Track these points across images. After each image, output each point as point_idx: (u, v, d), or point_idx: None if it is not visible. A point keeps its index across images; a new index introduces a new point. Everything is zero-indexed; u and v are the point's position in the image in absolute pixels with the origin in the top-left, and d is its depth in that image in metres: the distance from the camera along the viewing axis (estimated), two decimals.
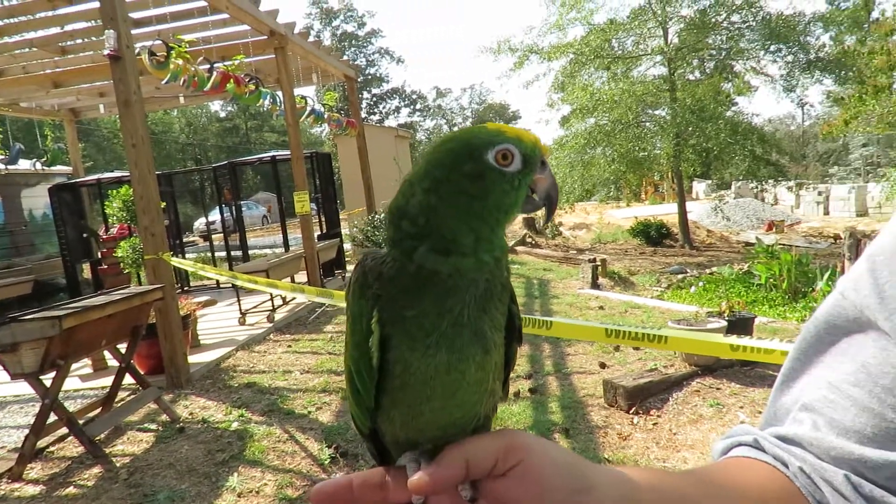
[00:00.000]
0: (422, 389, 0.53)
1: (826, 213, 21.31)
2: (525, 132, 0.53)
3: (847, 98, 19.72)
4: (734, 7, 14.98)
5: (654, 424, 3.84)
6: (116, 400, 4.37)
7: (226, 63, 6.87)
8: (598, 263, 9.98)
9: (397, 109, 55.38)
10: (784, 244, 13.32)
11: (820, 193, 22.19)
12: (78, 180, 10.51)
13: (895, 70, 17.75)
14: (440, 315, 0.51)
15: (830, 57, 15.63)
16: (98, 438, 3.83)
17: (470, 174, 0.52)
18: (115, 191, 6.98)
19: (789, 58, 15.23)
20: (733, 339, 1.24)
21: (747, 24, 15.12)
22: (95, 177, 10.50)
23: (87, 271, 9.87)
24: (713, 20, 15.22)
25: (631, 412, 4.03)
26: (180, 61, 5.69)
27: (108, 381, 4.52)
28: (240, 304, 7.26)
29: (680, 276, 11.33)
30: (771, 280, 9.00)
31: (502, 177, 0.52)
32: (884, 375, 0.49)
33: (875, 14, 25.37)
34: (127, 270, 7.24)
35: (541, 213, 0.57)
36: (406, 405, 0.54)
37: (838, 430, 0.51)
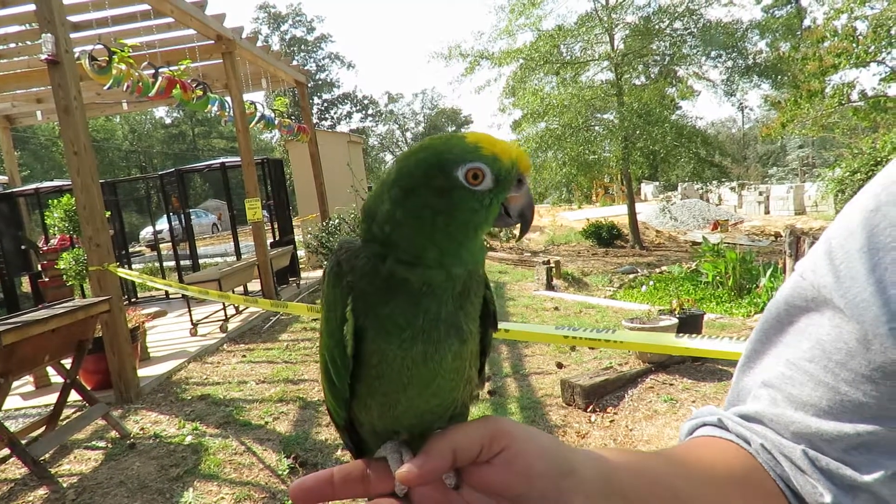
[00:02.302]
0: (398, 379, 0.53)
1: (767, 212, 22.19)
2: (505, 149, 0.51)
3: (783, 102, 20.59)
4: (676, 15, 15.47)
5: (611, 422, 3.92)
6: (62, 418, 4.19)
7: (171, 68, 6.70)
8: (553, 265, 10.12)
9: (349, 115, 55.03)
10: (729, 243, 13.79)
11: (761, 193, 23.10)
12: (14, 190, 10.04)
13: (827, 75, 18.64)
14: (415, 315, 0.51)
15: (767, 62, 16.31)
16: (43, 458, 3.66)
17: (438, 189, 0.50)
18: (55, 200, 6.70)
19: (729, 63, 15.83)
20: (684, 341, 1.29)
21: (689, 30, 15.64)
22: (33, 186, 10.05)
23: (26, 285, 9.44)
24: (657, 27, 15.68)
25: (588, 410, 4.10)
26: (123, 66, 5.52)
27: (52, 398, 4.33)
28: (191, 315, 7.07)
29: (631, 276, 11.60)
30: (717, 278, 9.31)
31: (472, 195, 0.50)
32: (837, 351, 0.51)
33: (807, 22, 26.61)
34: (70, 283, 6.95)
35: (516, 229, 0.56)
36: (382, 394, 0.54)
37: (796, 405, 0.54)
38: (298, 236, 12.66)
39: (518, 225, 0.55)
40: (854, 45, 17.47)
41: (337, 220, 10.39)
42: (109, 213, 6.50)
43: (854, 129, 21.14)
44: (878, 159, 15.38)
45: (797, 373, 0.54)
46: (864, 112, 18.60)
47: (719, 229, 18.06)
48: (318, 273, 10.96)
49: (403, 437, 0.56)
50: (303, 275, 11.12)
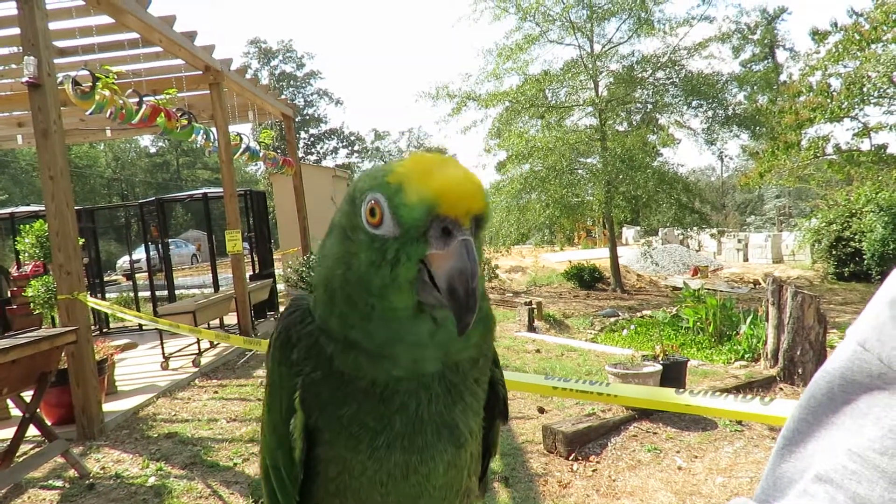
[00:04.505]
0: (368, 498, 0.40)
1: (745, 259, 22.46)
2: (424, 175, 0.36)
3: (761, 152, 21.11)
4: (659, 64, 15.86)
5: (594, 471, 3.80)
6: (18, 454, 3.97)
7: (157, 97, 6.65)
8: (534, 306, 10.06)
9: (335, 150, 55.30)
10: (709, 289, 13.88)
11: (740, 241, 23.42)
12: None
13: (803, 128, 19.18)
14: (387, 415, 0.38)
15: (746, 114, 16.73)
16: None
17: (350, 227, 0.38)
18: (27, 226, 6.52)
19: (709, 113, 16.20)
20: (685, 398, 1.21)
21: (671, 80, 16.02)
22: (8, 210, 9.84)
23: None
24: (640, 76, 16.05)
25: (570, 458, 3.98)
26: (107, 92, 5.45)
27: (9, 432, 4.11)
28: (163, 348, 6.85)
29: (612, 319, 11.57)
30: (698, 323, 9.30)
31: (369, 240, 0.37)
32: None
33: (783, 77, 27.51)
34: (38, 311, 6.72)
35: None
36: None
37: None
38: (279, 270, 12.51)
39: (449, 306, 0.36)
40: (828, 100, 18.05)
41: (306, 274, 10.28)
42: (84, 240, 6.34)
43: (829, 181, 21.66)
44: (853, 211, 15.72)
45: (864, 467, 0.44)
46: (839, 165, 19.10)
47: (699, 275, 18.21)
48: None
49: None
50: (281, 309, 10.92)
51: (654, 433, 4.27)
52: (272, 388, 0.43)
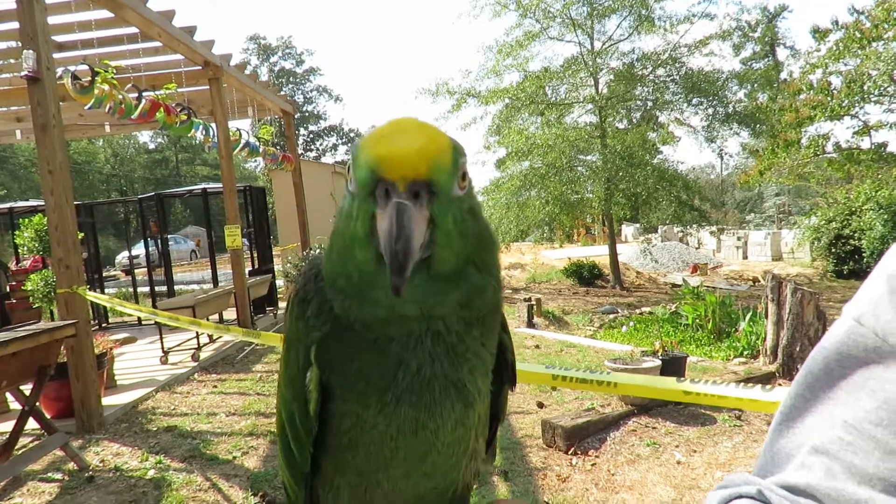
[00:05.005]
0: (379, 452, 0.41)
1: (745, 257, 22.47)
2: (377, 139, 0.39)
3: (761, 150, 21.11)
4: (659, 62, 15.85)
5: (593, 465, 3.81)
6: (18, 447, 3.97)
7: (156, 92, 6.64)
8: (534, 303, 10.07)
9: (335, 147, 55.22)
10: (708, 286, 13.89)
11: (739, 239, 23.42)
12: None
13: (803, 126, 19.19)
14: (390, 369, 0.40)
15: (746, 111, 16.70)
16: None
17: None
18: (26, 220, 6.52)
19: (709, 110, 16.18)
20: (686, 385, 1.21)
21: (671, 77, 16.01)
22: (7, 205, 9.84)
23: None
24: (640, 73, 16.04)
25: (569, 453, 3.98)
26: (106, 87, 5.44)
27: (8, 426, 4.11)
28: (162, 342, 6.86)
29: (611, 316, 11.58)
30: (697, 320, 9.30)
31: (349, 196, 0.40)
32: None
33: (784, 75, 27.53)
34: (37, 305, 6.72)
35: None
36: (357, 473, 0.43)
37: (860, 478, 0.44)
38: (278, 265, 12.51)
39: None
40: (829, 98, 18.06)
41: (318, 251, 10.27)
42: (83, 234, 6.33)
43: (829, 179, 21.67)
44: (853, 209, 15.72)
45: (860, 438, 0.45)
46: (839, 163, 19.11)
47: (698, 272, 18.22)
48: None
49: None
50: (281, 305, 10.93)
51: (654, 428, 4.28)
52: (290, 342, 0.44)
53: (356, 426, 0.41)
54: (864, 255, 14.86)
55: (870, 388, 0.45)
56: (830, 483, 0.45)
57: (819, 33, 18.76)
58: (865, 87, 17.53)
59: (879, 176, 17.69)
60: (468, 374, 0.42)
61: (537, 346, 7.47)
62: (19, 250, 7.84)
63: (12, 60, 7.79)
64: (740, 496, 0.50)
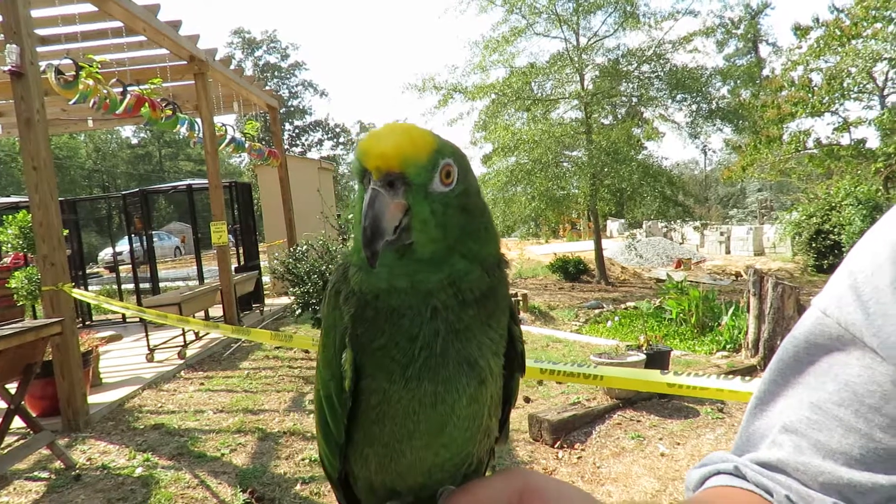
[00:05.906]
0: (403, 424, 0.46)
1: (728, 251, 22.73)
2: (371, 138, 0.46)
3: (744, 146, 21.35)
4: (644, 58, 15.95)
5: (579, 458, 3.87)
6: (3, 446, 3.95)
7: (141, 87, 6.58)
8: (520, 298, 10.13)
9: (320, 142, 54.96)
10: (692, 281, 14.04)
11: (722, 234, 23.67)
12: None
13: (785, 122, 19.44)
14: (407, 345, 0.45)
15: (729, 108, 16.86)
16: None
17: None
18: (10, 216, 6.44)
19: (693, 106, 16.31)
20: (670, 377, 1.26)
21: (656, 73, 16.11)
22: None
23: None
24: (625, 69, 16.13)
25: (556, 446, 4.04)
26: (90, 81, 5.40)
27: None
28: (148, 340, 6.82)
29: (597, 311, 11.68)
30: (681, 315, 9.42)
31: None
32: (870, 394, 0.47)
33: (766, 71, 27.82)
34: (21, 303, 6.66)
35: None
36: (383, 444, 0.48)
37: (824, 453, 0.49)
38: (264, 262, 12.45)
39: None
40: (810, 95, 18.30)
41: (305, 247, 10.25)
42: (67, 231, 6.28)
43: (810, 174, 21.98)
44: (833, 205, 15.96)
45: (824, 417, 0.50)
46: (819, 159, 19.40)
47: (682, 267, 18.40)
48: (284, 300, 10.75)
49: (408, 499, 0.50)
50: (267, 301, 10.90)
51: (638, 421, 4.35)
52: (327, 329, 0.50)
53: (384, 401, 0.46)
54: (843, 249, 15.09)
55: (833, 372, 0.50)
56: (799, 458, 0.50)
57: (800, 31, 18.99)
58: (845, 84, 17.79)
59: (858, 172, 17.98)
60: (477, 350, 0.47)
61: (524, 342, 7.53)
62: (1, 248, 7.74)
63: None
64: (718, 472, 0.56)
